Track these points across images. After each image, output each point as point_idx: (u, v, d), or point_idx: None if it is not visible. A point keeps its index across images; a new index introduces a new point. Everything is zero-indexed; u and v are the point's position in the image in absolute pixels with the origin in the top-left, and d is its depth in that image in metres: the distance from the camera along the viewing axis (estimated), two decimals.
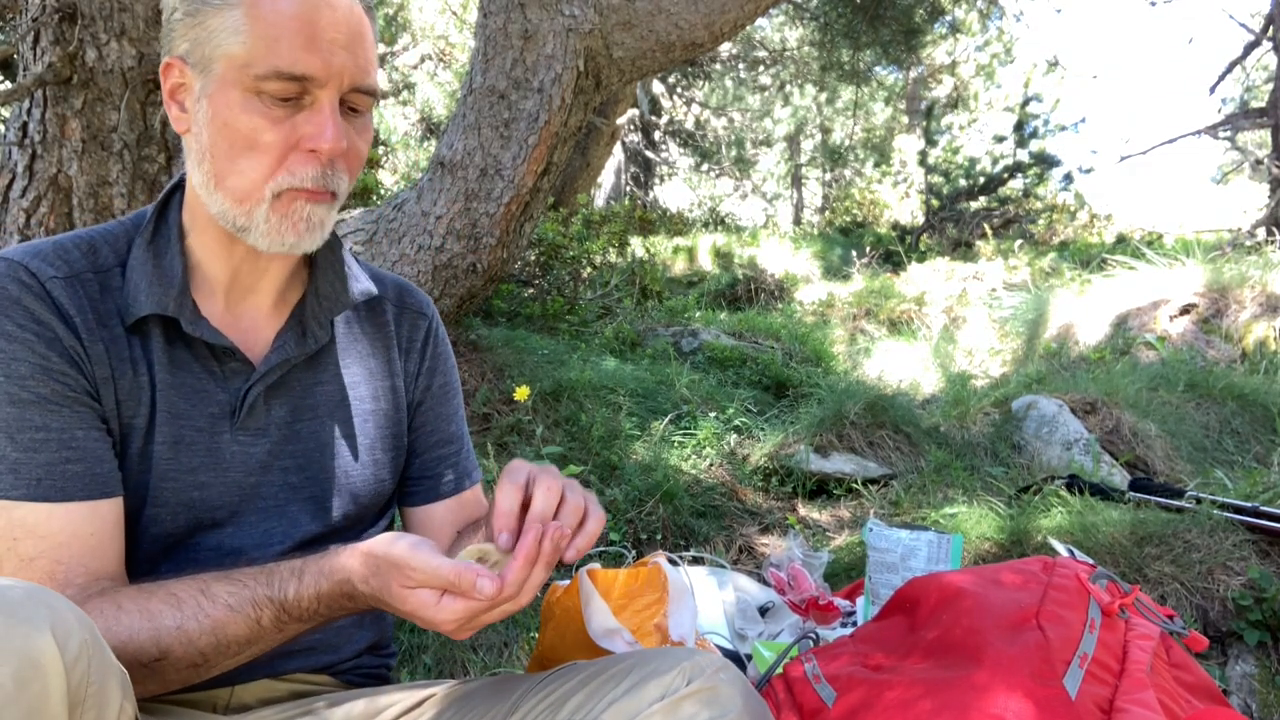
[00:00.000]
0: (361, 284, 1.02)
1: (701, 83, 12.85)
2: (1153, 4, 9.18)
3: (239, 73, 0.82)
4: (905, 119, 13.67)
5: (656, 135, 13.22)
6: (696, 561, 2.34)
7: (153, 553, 0.90)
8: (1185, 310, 4.66)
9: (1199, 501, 2.21)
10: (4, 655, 0.58)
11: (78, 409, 0.84)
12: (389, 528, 1.08)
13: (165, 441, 0.88)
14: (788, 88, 12.68)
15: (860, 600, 1.82)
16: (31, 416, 0.81)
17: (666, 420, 3.37)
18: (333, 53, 0.82)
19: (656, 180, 14.12)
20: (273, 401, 0.95)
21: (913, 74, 12.61)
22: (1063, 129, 10.24)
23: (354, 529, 1.01)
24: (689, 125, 13.87)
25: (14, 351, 0.81)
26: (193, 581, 0.80)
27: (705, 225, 11.91)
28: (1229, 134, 8.18)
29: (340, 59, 0.83)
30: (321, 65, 0.82)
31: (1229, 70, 8.27)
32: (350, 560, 0.79)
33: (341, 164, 0.87)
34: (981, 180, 10.30)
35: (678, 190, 16.55)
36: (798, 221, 15.50)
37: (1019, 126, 10.24)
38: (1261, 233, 6.98)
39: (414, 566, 0.75)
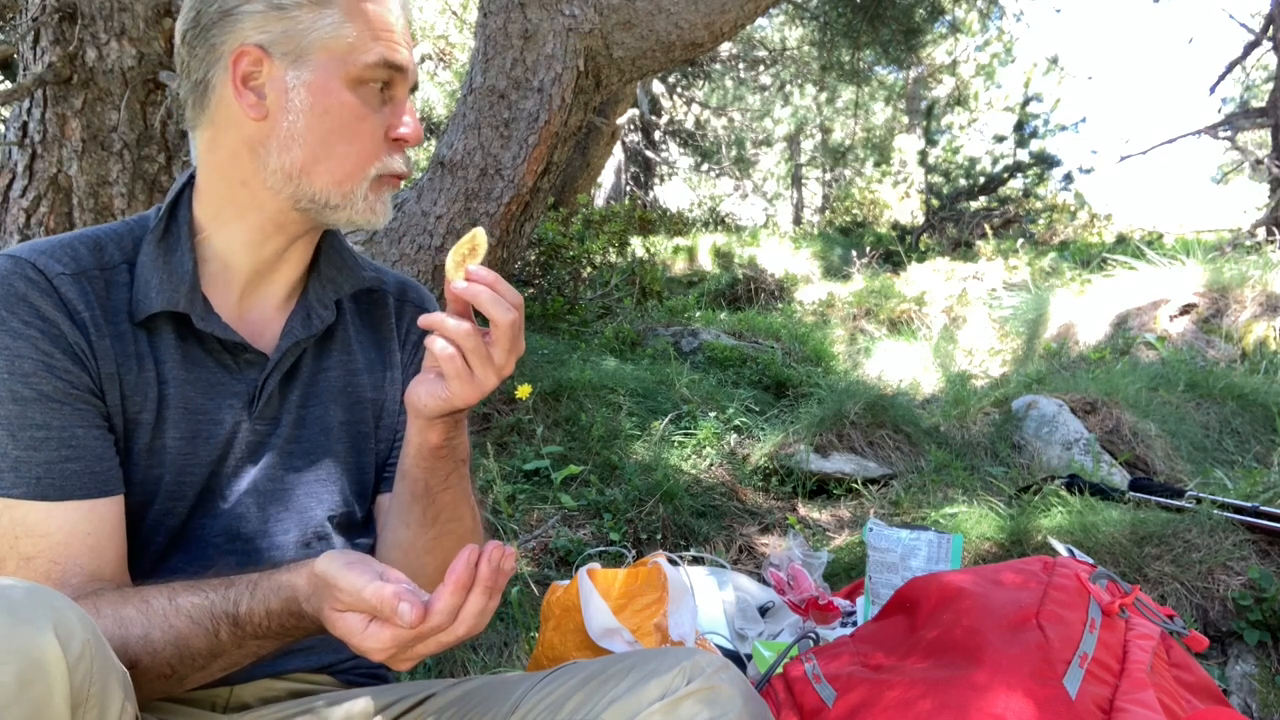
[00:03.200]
0: (367, 273, 1.05)
1: (701, 83, 12.84)
2: (1155, 1, 9.17)
3: (341, 64, 0.87)
4: (905, 119, 13.66)
5: (656, 135, 13.22)
6: (696, 561, 2.34)
7: (164, 544, 0.90)
8: (1185, 310, 4.66)
9: (1199, 501, 2.21)
10: (7, 655, 0.58)
11: (79, 407, 0.84)
12: None
13: (181, 436, 0.89)
14: (788, 87, 12.68)
15: (860, 600, 1.82)
16: (33, 414, 0.82)
17: (666, 420, 3.37)
18: (406, 50, 0.92)
19: (656, 180, 14.12)
20: (286, 388, 0.96)
21: (913, 74, 12.59)
22: (1063, 129, 10.24)
23: (355, 517, 1.02)
24: (689, 125, 13.87)
25: (18, 349, 0.81)
26: (166, 590, 0.79)
27: (705, 225, 11.90)
28: (1229, 134, 8.16)
29: (410, 56, 0.92)
30: (408, 60, 0.92)
31: (1229, 70, 8.26)
32: (298, 577, 0.75)
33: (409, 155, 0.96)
34: (981, 180, 10.30)
35: (678, 190, 16.56)
36: (798, 221, 15.51)
37: (1019, 126, 10.24)
38: (1261, 233, 6.98)
39: (341, 587, 0.70)
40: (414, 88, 0.96)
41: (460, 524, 0.95)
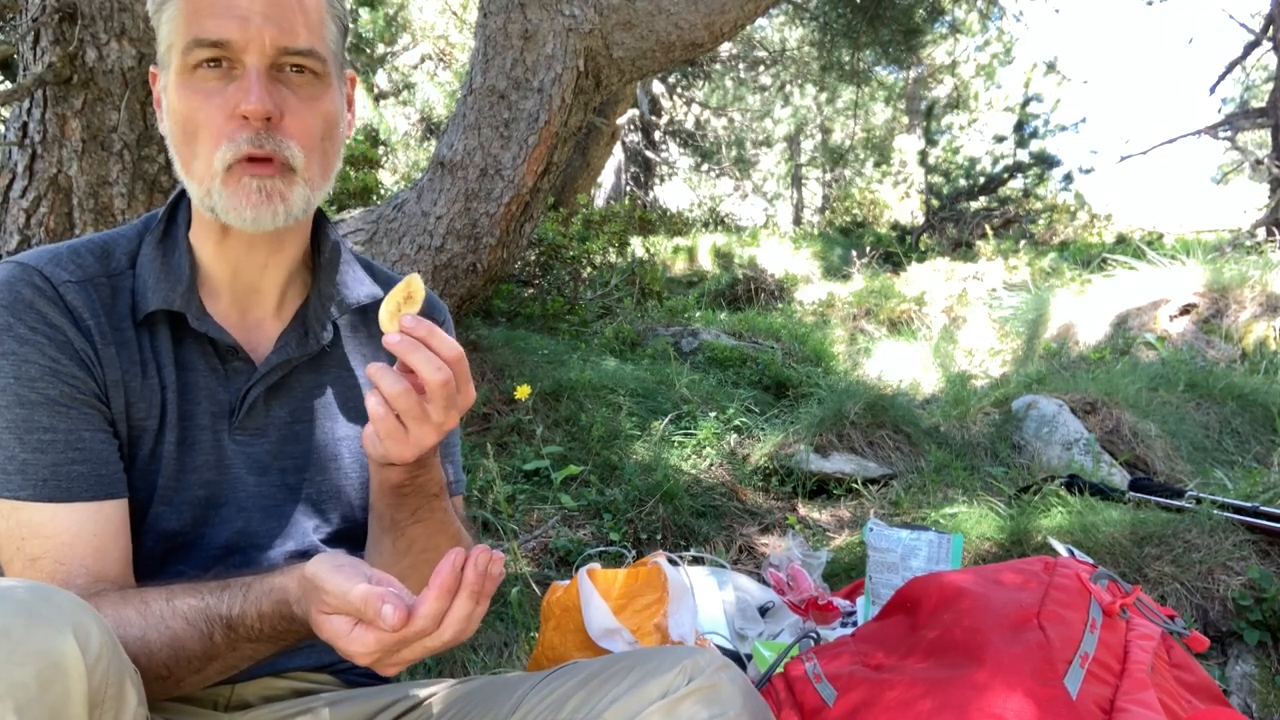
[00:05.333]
0: (365, 288, 1.02)
1: (701, 83, 12.84)
2: (1149, 3, 9.18)
3: (176, 60, 0.85)
4: (905, 119, 13.65)
5: (656, 135, 13.22)
6: (696, 561, 2.34)
7: (159, 550, 0.90)
8: (1185, 310, 4.66)
9: (1199, 501, 2.21)
10: (27, 656, 0.58)
11: (85, 411, 0.84)
12: None
13: (174, 442, 0.89)
14: (788, 88, 12.68)
15: (860, 600, 1.82)
16: (40, 418, 0.82)
17: (666, 420, 3.37)
18: (249, 18, 0.83)
19: (656, 180, 14.11)
20: (273, 402, 0.95)
21: (913, 74, 12.58)
22: (1063, 129, 10.25)
23: (360, 532, 1.01)
24: (689, 125, 13.87)
25: (25, 354, 0.82)
26: (164, 592, 0.79)
27: (705, 225, 11.90)
28: (1229, 134, 8.17)
29: (258, 24, 0.84)
30: (237, 29, 0.83)
31: (1229, 70, 8.26)
32: (289, 580, 0.75)
33: (284, 133, 0.86)
34: (981, 180, 10.30)
35: (678, 190, 16.56)
36: (798, 221, 15.50)
37: (1019, 126, 10.24)
38: (1261, 233, 6.98)
39: (327, 589, 0.69)
40: (304, 53, 0.86)
41: (436, 554, 0.91)
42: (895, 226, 11.08)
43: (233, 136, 0.84)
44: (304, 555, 0.95)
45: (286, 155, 0.86)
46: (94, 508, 0.83)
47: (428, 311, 1.08)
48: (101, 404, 0.86)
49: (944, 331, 6.15)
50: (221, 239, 0.92)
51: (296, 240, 0.97)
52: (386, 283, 1.07)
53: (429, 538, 0.92)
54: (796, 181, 17.02)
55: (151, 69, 0.92)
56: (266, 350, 0.95)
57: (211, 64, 0.84)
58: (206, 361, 0.92)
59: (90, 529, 0.83)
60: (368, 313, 1.04)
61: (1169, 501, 2.30)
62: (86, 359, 0.85)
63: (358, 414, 1.01)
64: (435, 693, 0.93)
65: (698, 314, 5.90)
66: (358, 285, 1.01)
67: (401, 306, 0.77)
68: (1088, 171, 10.58)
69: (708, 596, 1.85)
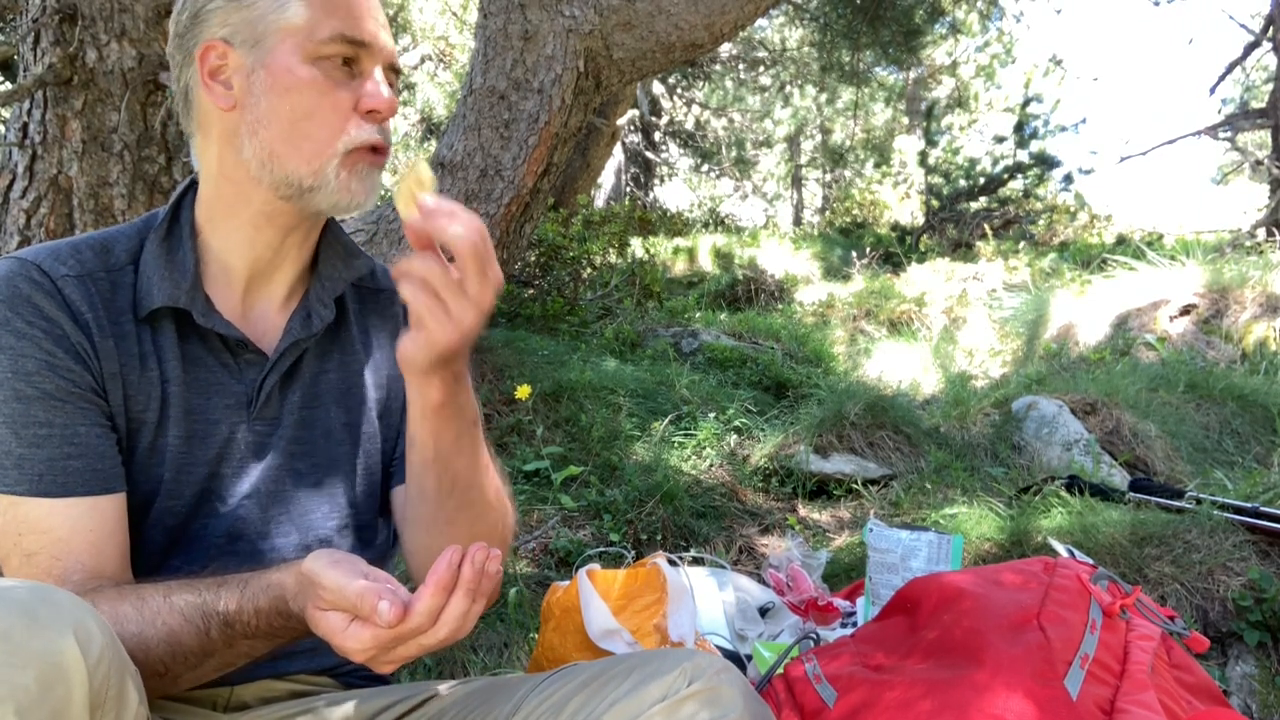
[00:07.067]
0: (362, 260, 1.03)
1: (701, 83, 12.84)
2: (1155, 4, 9.19)
3: (300, 42, 0.87)
4: (905, 119, 13.66)
5: (656, 136, 13.22)
6: (696, 562, 2.34)
7: (164, 543, 0.90)
8: (1185, 310, 4.66)
9: (1199, 502, 2.21)
10: (28, 659, 0.58)
11: (82, 405, 0.84)
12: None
13: (180, 436, 0.89)
14: (788, 88, 12.68)
15: (860, 601, 1.82)
16: (36, 412, 0.82)
17: (666, 421, 3.37)
18: (378, 29, 0.91)
19: (656, 181, 14.12)
20: (287, 389, 0.96)
21: (913, 74, 12.58)
22: (1063, 129, 10.25)
23: (362, 520, 1.02)
24: (689, 126, 13.87)
25: (22, 348, 0.82)
26: (162, 588, 0.79)
27: (705, 226, 11.91)
28: (1229, 134, 8.18)
29: (383, 36, 0.91)
30: (374, 34, 0.90)
31: (1229, 70, 8.27)
32: (286, 576, 0.75)
33: (388, 129, 0.94)
34: (981, 181, 10.30)
35: (678, 191, 16.56)
36: (798, 222, 15.50)
37: (1019, 127, 10.24)
38: (1261, 233, 6.98)
39: (324, 585, 0.70)
40: (396, 70, 0.94)
41: (480, 494, 0.92)
42: (895, 227, 11.08)
43: (361, 125, 0.89)
44: (305, 545, 0.95)
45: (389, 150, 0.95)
46: (90, 503, 0.83)
47: None
48: (99, 398, 0.86)
49: (944, 332, 6.15)
50: (255, 232, 0.92)
51: (319, 228, 0.99)
52: (386, 272, 1.07)
53: (471, 474, 0.91)
54: (796, 182, 17.03)
55: (208, 41, 0.88)
56: (275, 340, 0.96)
57: (343, 61, 0.88)
58: (216, 356, 0.92)
59: (87, 524, 0.83)
60: (369, 301, 1.06)
61: (1169, 502, 2.30)
62: (83, 353, 0.85)
63: (359, 400, 1.02)
64: (435, 694, 0.93)
65: (698, 314, 5.90)
66: (353, 260, 1.02)
67: (415, 191, 0.78)
68: (1088, 172, 10.60)
69: (707, 597, 1.85)
